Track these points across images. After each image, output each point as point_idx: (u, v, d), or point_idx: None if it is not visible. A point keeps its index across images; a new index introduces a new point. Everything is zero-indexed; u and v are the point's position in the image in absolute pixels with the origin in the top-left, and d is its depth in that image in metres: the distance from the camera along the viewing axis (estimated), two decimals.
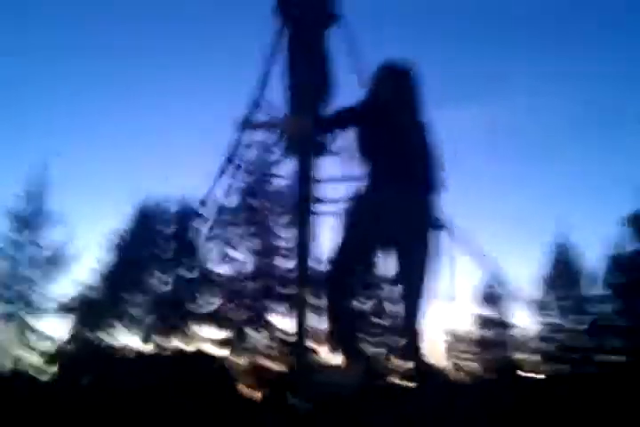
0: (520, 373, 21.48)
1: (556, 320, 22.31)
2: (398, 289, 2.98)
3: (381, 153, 3.06)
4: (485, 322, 23.18)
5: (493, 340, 22.92)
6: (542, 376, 22.23)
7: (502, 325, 23.02)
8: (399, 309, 3.01)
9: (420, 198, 3.02)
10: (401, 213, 2.89)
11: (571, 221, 26.60)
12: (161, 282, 20.00)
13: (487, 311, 23.31)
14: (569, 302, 22.26)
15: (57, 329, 19.53)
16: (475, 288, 23.06)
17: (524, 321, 23.10)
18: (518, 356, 22.68)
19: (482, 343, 22.99)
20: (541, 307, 22.38)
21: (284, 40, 4.30)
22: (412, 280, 2.91)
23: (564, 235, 23.12)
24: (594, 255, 25.64)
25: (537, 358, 22.53)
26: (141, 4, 39.54)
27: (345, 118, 3.22)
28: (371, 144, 3.11)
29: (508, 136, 42.12)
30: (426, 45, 38.17)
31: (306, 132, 3.64)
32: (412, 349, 2.87)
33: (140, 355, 18.89)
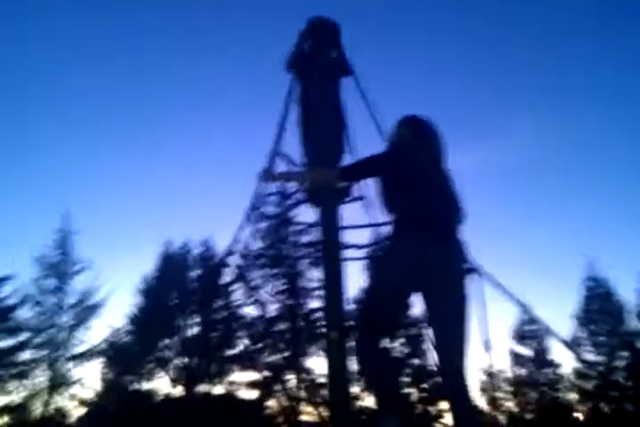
0: (558, 411, 20.81)
1: (595, 357, 21.64)
2: (431, 336, 2.96)
3: (409, 201, 3.07)
4: (521, 360, 22.64)
5: (529, 378, 22.32)
6: (581, 415, 21.50)
7: (538, 362, 22.42)
8: (434, 355, 2.98)
9: (449, 245, 3.02)
10: (430, 261, 2.89)
11: (603, 256, 26.43)
12: (189, 325, 20.01)
13: (523, 349, 22.81)
14: (605, 337, 21.63)
15: (88, 374, 19.57)
16: (510, 326, 22.74)
17: (561, 358, 22.52)
18: (556, 394, 22.00)
19: (518, 382, 22.39)
20: (578, 344, 21.76)
21: (298, 93, 4.49)
22: (446, 328, 2.89)
23: (596, 270, 22.78)
24: (629, 290, 25.10)
25: (575, 395, 21.81)
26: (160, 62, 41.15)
27: (370, 168, 3.25)
28: (397, 192, 3.13)
29: (521, 176, 42.19)
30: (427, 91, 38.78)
31: (328, 182, 3.73)
32: (452, 393, 2.82)
33: (169, 399, 18.77)
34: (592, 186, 41.50)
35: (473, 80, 45.47)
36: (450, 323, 2.90)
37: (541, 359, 22.45)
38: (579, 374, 21.86)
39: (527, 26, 46.81)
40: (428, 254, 2.89)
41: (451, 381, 2.83)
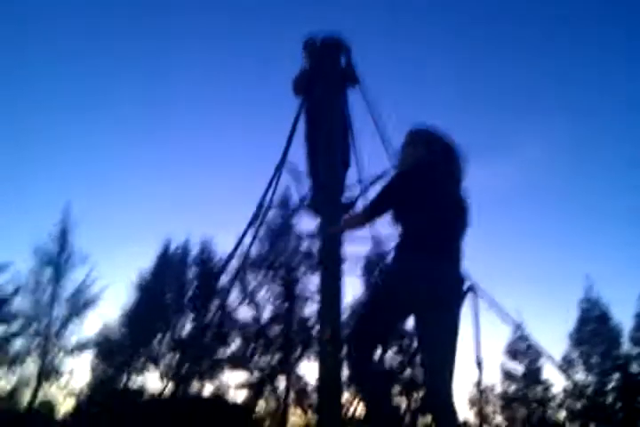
0: None
1: (586, 377, 21.61)
2: (422, 357, 2.95)
3: (420, 217, 3.01)
4: (512, 376, 22.62)
5: (520, 394, 22.28)
6: None
7: (529, 379, 22.40)
8: (425, 368, 2.96)
9: (453, 266, 3.00)
10: (433, 283, 2.87)
11: (600, 277, 26.46)
12: (183, 323, 20.01)
13: (515, 366, 22.80)
14: (599, 359, 21.61)
15: (78, 366, 19.57)
16: (504, 343, 22.75)
17: (552, 377, 22.49)
18: (545, 412, 21.97)
19: (508, 397, 22.36)
20: (570, 364, 21.75)
21: (305, 111, 4.54)
22: (437, 350, 2.87)
23: (594, 292, 22.83)
24: (623, 313, 25.10)
25: (563, 414, 21.80)
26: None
27: (392, 200, 3.11)
28: (409, 207, 3.05)
29: (524, 194, 42.25)
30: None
31: (360, 227, 3.50)
32: (438, 412, 2.81)
33: (158, 397, 18.74)
34: (596, 207, 41.47)
35: (483, 97, 45.55)
36: (441, 346, 2.87)
37: (533, 377, 22.42)
38: (569, 393, 21.85)
39: (539, 42, 46.88)
40: (431, 276, 2.87)
41: (437, 401, 2.82)
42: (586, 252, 37.88)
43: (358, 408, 18.29)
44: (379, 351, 3.12)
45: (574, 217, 41.48)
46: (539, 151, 40.89)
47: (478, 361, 3.10)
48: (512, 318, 4.20)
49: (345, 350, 3.23)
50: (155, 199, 40.05)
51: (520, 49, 46.13)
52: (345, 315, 3.88)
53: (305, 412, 18.26)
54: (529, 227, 40.46)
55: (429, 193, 3.05)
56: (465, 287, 3.02)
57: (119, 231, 39.20)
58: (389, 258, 3.06)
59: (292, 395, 18.61)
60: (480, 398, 22.25)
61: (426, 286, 2.86)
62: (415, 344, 18.71)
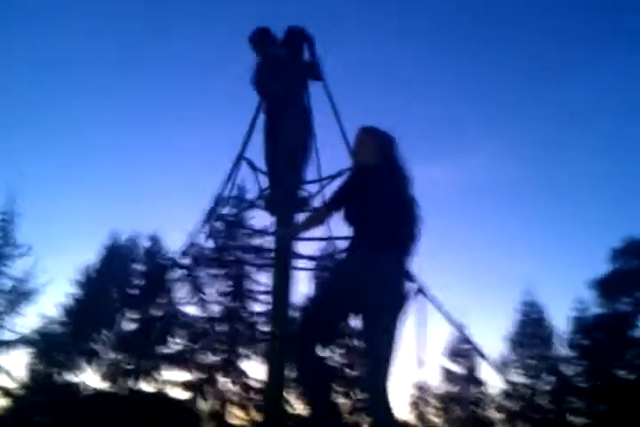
0: None
1: (522, 379, 22.32)
2: (364, 350, 3.02)
3: (371, 217, 3.06)
4: (452, 377, 23.13)
5: (458, 395, 22.82)
6: None
7: (468, 380, 22.96)
8: (363, 368, 3.02)
9: (401, 266, 3.07)
10: (382, 280, 2.92)
11: (540, 281, 27.35)
12: (127, 320, 19.64)
13: (454, 367, 23.31)
14: (535, 361, 22.35)
15: (15, 362, 18.91)
16: (444, 343, 23.20)
17: (491, 378, 23.10)
18: (482, 412, 22.57)
19: (447, 398, 22.85)
20: (508, 365, 22.41)
21: (265, 105, 4.56)
22: (380, 345, 2.91)
23: (532, 295, 23.54)
24: (562, 316, 25.94)
25: (500, 415, 22.42)
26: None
27: (348, 198, 3.16)
28: (360, 207, 3.10)
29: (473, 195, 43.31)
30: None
31: (320, 225, 3.54)
32: (374, 409, 2.86)
33: (98, 394, 18.34)
34: (542, 210, 42.76)
35: (434, 97, 46.24)
36: (381, 344, 2.92)
37: (472, 377, 22.98)
38: (505, 394, 22.50)
39: (492, 43, 47.95)
40: (381, 275, 2.93)
41: (374, 397, 2.86)
42: (526, 253, 39.02)
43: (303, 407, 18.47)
44: (322, 348, 3.17)
45: (517, 220, 42.63)
46: (485, 154, 42.01)
47: (420, 362, 3.19)
48: (455, 320, 4.33)
49: (295, 343, 3.24)
50: (103, 192, 39.08)
51: (477, 46, 46.83)
52: (295, 312, 3.93)
53: (247, 410, 18.22)
54: (472, 228, 41.38)
55: (384, 192, 3.13)
56: (414, 288, 3.12)
57: (65, 225, 38.12)
58: (341, 256, 3.12)
59: (234, 393, 18.55)
60: (419, 396, 22.70)
61: (374, 284, 2.91)
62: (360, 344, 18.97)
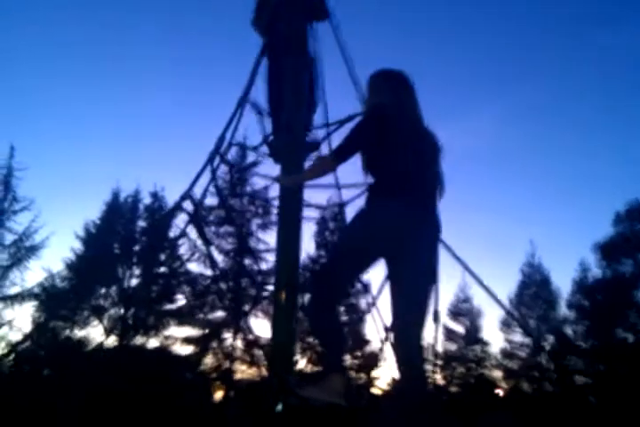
0: (482, 386, 21.70)
1: (521, 338, 22.56)
2: (395, 302, 2.88)
3: (392, 163, 2.90)
4: (453, 336, 23.38)
5: (459, 354, 23.11)
6: (502, 392, 22.52)
7: (469, 339, 23.21)
8: (394, 322, 2.90)
9: (426, 213, 2.93)
10: (411, 226, 2.80)
11: (545, 242, 27.39)
12: (130, 276, 19.67)
13: (456, 326, 23.54)
14: (535, 321, 22.53)
15: (19, 317, 19.02)
16: (446, 302, 23.39)
17: (490, 337, 23.39)
18: (482, 370, 22.91)
19: (447, 356, 23.15)
20: (508, 324, 22.61)
21: (267, 47, 4.27)
22: (411, 296, 2.81)
23: (535, 257, 23.61)
24: (565, 277, 26.07)
25: (499, 373, 22.81)
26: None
27: (362, 141, 3.00)
28: (380, 153, 2.94)
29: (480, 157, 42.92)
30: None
31: (327, 172, 3.37)
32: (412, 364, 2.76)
33: (102, 349, 18.52)
34: (547, 175, 42.41)
35: (443, 62, 45.24)
36: (415, 291, 2.82)
37: (472, 337, 23.23)
38: (505, 353, 22.80)
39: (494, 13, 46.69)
40: (404, 220, 2.80)
41: (408, 350, 2.77)
42: (531, 216, 38.91)
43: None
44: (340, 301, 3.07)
45: (525, 181, 42.21)
46: (491, 117, 41.38)
47: (436, 315, 3.06)
48: (474, 273, 4.16)
49: (306, 299, 3.15)
50: (105, 146, 38.76)
51: (483, 15, 45.75)
52: (301, 268, 3.78)
53: (251, 366, 18.39)
54: (477, 189, 41.20)
55: (400, 136, 2.94)
56: (439, 233, 2.98)
57: (67, 179, 37.95)
58: (363, 204, 2.97)
59: (239, 350, 18.70)
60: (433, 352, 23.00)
61: (400, 225, 2.79)
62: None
